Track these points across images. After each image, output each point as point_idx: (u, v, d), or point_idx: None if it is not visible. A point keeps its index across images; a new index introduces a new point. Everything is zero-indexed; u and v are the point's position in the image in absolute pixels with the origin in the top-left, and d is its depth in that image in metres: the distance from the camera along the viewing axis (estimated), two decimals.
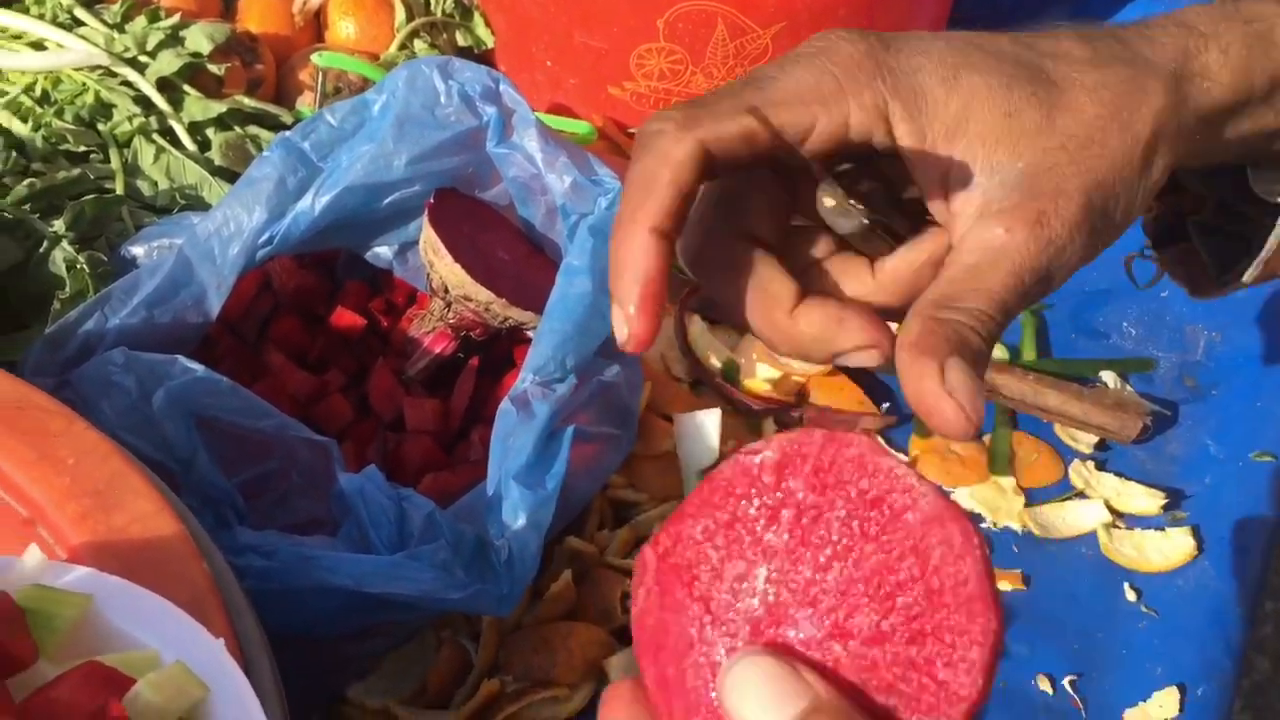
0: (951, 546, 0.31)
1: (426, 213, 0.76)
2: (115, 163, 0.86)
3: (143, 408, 0.65)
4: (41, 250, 0.77)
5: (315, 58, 0.91)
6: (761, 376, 0.83)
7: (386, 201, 0.78)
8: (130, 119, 0.87)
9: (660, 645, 0.33)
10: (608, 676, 0.67)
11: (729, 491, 0.33)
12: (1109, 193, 0.41)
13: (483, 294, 0.74)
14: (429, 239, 0.76)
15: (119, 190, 0.84)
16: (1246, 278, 0.49)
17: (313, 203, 0.76)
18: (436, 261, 0.75)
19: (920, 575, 0.31)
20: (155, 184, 0.86)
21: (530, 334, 0.82)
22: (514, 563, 0.62)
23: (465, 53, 1.06)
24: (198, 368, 0.65)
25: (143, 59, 0.90)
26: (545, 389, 0.70)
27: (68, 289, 0.75)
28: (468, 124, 0.77)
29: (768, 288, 0.42)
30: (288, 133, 0.78)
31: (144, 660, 0.41)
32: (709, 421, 0.79)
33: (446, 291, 0.76)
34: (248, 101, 0.91)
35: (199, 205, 0.86)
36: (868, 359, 0.41)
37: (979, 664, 0.30)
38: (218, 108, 0.89)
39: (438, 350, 0.79)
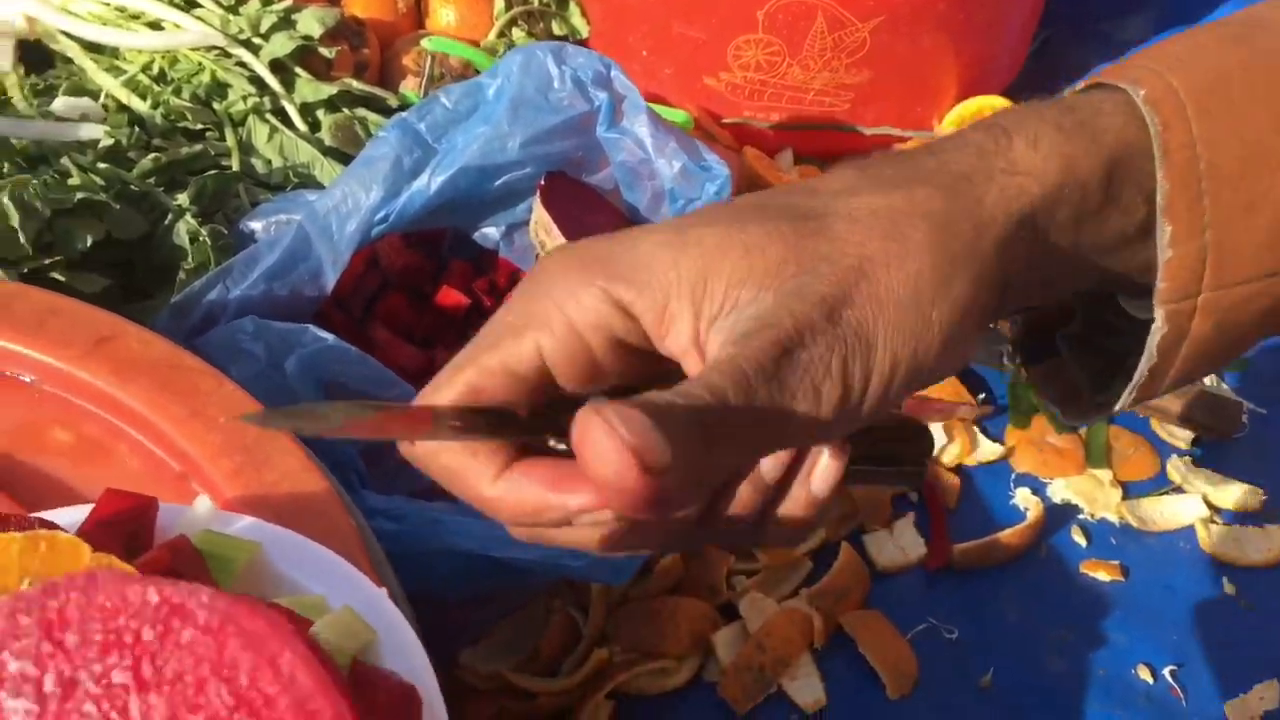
0: (260, 647, 0.26)
1: (538, 194, 0.78)
2: (231, 140, 0.88)
3: (271, 374, 0.68)
4: (166, 223, 0.79)
5: (425, 42, 0.93)
6: None
7: (498, 183, 0.80)
8: (245, 99, 0.90)
9: None
10: (714, 650, 0.69)
11: None
12: (879, 307, 0.34)
13: None
14: (540, 219, 0.77)
15: (235, 167, 0.87)
16: (1120, 404, 0.41)
17: (429, 182, 0.78)
18: (548, 241, 0.77)
19: (237, 700, 0.26)
20: (269, 162, 0.88)
21: None
22: None
23: (560, 41, 1.08)
24: (328, 336, 0.67)
25: (256, 41, 0.93)
26: None
27: (190, 260, 0.78)
28: (579, 109, 0.79)
29: (462, 458, 0.36)
30: (404, 114, 0.80)
31: (312, 605, 0.43)
32: None
33: None
34: (356, 84, 0.93)
35: (311, 183, 0.88)
36: (596, 522, 0.34)
37: None
38: (328, 90, 0.91)
39: None
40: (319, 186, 0.88)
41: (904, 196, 0.36)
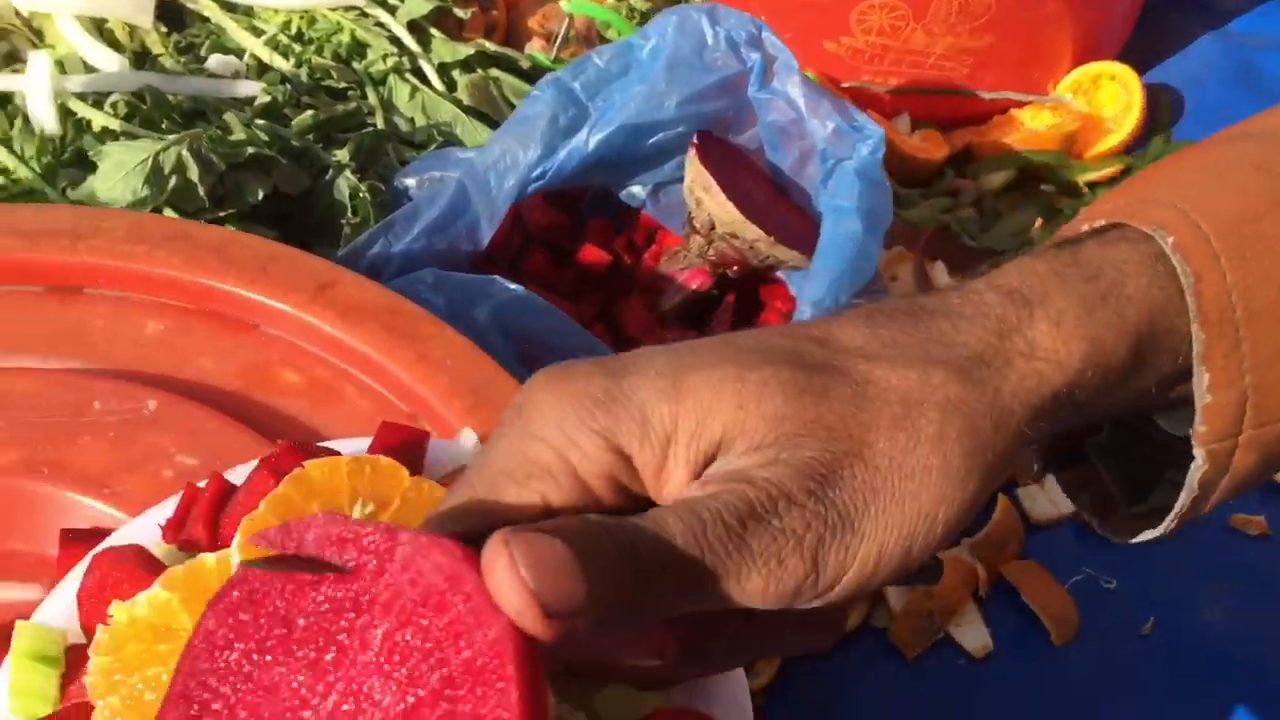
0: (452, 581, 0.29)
1: (694, 152, 0.79)
2: (374, 99, 0.90)
3: (454, 324, 0.69)
4: (326, 178, 0.80)
5: (564, 4, 0.94)
6: None
7: (651, 141, 0.81)
8: (384, 58, 0.91)
9: None
10: (884, 597, 0.71)
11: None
12: (872, 495, 0.33)
13: (751, 231, 0.77)
14: (698, 177, 0.79)
15: (380, 125, 0.88)
16: (1162, 532, 0.40)
17: (587, 139, 0.79)
18: (706, 199, 0.78)
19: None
20: (411, 120, 0.90)
21: (780, 275, 0.85)
22: None
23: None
24: (517, 287, 0.69)
25: (393, 1, 0.94)
26: None
27: (350, 215, 0.79)
28: (732, 69, 0.80)
29: None
30: (558, 73, 0.81)
31: None
32: None
33: (712, 229, 0.79)
34: (489, 45, 0.95)
35: (455, 141, 0.89)
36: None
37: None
38: (464, 50, 0.92)
39: (694, 286, 0.82)
40: (462, 144, 0.89)
41: (919, 378, 0.34)
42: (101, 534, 0.47)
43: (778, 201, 0.84)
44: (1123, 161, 1.00)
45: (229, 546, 0.41)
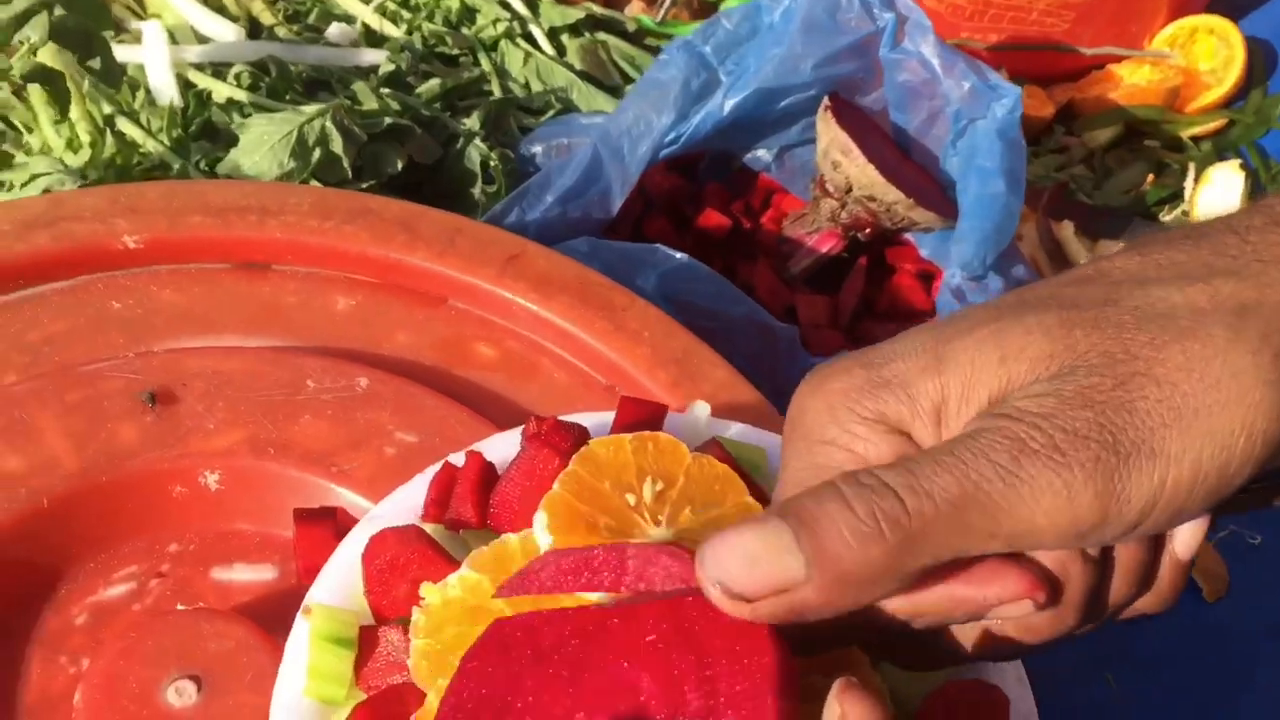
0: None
1: (830, 115, 0.79)
2: (487, 65, 0.89)
3: None
4: (456, 147, 0.80)
5: None
6: None
7: (782, 104, 0.81)
8: (495, 23, 0.90)
9: None
10: None
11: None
12: (1174, 415, 0.31)
13: (891, 194, 0.77)
14: (837, 140, 0.78)
15: (496, 92, 0.87)
16: None
17: (722, 103, 0.78)
18: (844, 162, 0.78)
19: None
20: (526, 86, 0.89)
21: (909, 237, 0.85)
22: None
23: None
24: (680, 255, 0.69)
25: None
26: (976, 283, 0.73)
27: (484, 184, 0.79)
28: (865, 29, 0.80)
29: None
30: (687, 37, 0.80)
31: None
32: None
33: (848, 191, 0.79)
34: (596, 8, 0.94)
35: (571, 107, 0.89)
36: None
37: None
38: (574, 14, 0.92)
39: (824, 249, 0.82)
40: (578, 110, 0.89)
41: (1205, 291, 0.32)
42: (333, 513, 0.48)
43: (904, 163, 0.84)
44: (1225, 116, 1.00)
45: (496, 525, 0.42)
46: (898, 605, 0.33)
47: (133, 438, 0.50)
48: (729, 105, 0.78)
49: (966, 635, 0.35)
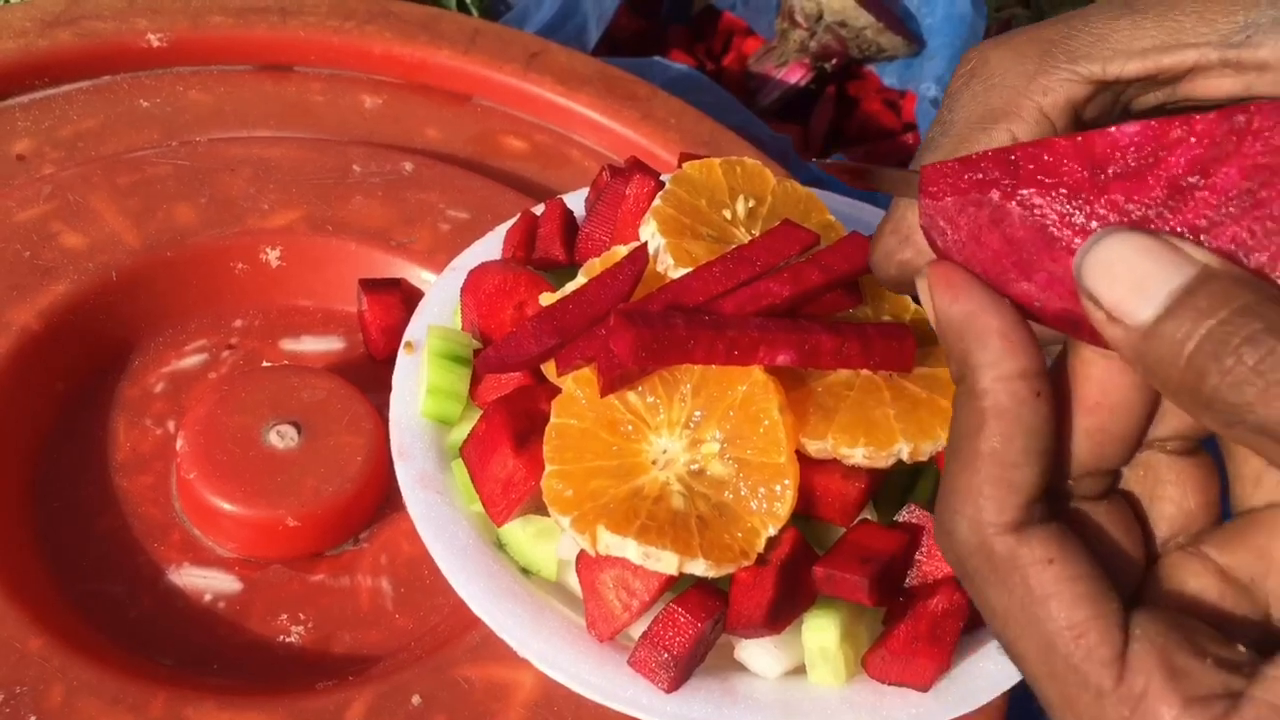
0: None
1: None
2: None
3: None
4: None
5: None
6: None
7: None
8: None
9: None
10: None
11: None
12: None
13: (862, 18, 0.80)
14: None
15: None
16: None
17: None
18: None
19: None
20: None
21: (870, 68, 0.88)
22: None
23: None
24: (681, 65, 0.71)
25: None
26: None
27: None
28: None
29: None
30: None
31: None
32: None
33: (818, 19, 0.82)
34: None
35: None
36: None
37: None
38: None
39: (793, 81, 0.85)
40: None
41: None
42: (398, 282, 0.49)
43: None
44: None
45: (582, 258, 0.43)
46: None
47: (191, 217, 0.50)
48: None
49: None
